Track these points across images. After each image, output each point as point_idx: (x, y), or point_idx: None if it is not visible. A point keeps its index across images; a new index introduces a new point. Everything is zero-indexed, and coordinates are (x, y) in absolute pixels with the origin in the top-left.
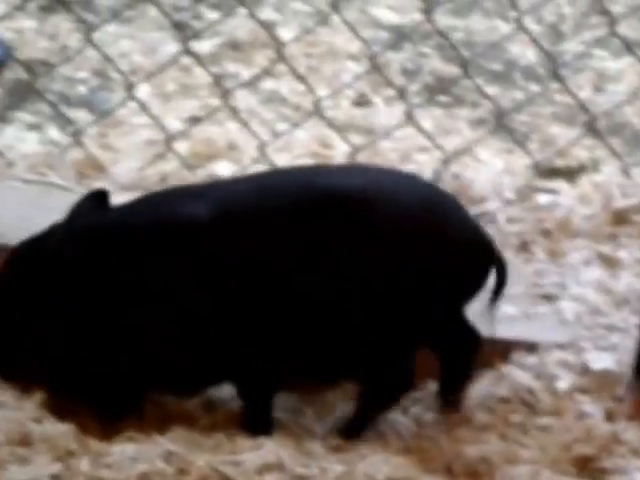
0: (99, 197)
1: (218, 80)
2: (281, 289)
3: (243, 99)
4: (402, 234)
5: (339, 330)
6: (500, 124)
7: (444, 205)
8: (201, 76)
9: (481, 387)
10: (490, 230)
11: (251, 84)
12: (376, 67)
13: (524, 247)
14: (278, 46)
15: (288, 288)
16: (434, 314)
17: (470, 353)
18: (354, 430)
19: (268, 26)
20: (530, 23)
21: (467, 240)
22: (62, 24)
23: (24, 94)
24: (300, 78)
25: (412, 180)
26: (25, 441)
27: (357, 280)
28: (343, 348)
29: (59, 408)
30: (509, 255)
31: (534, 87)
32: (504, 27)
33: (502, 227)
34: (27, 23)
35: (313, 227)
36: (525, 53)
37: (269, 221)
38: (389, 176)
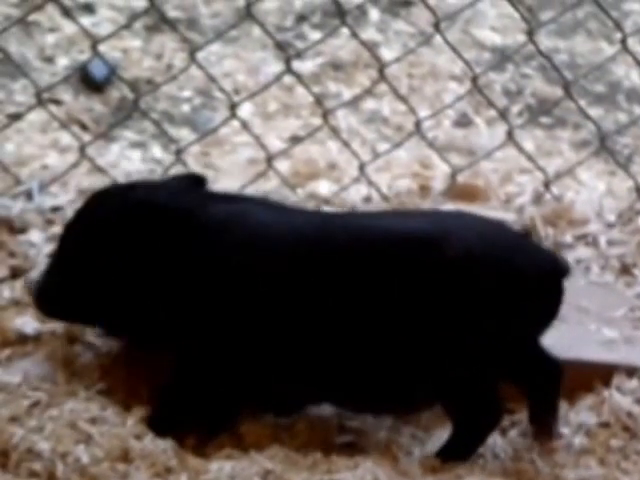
0: (198, 180)
1: (320, 100)
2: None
3: (344, 119)
4: (468, 268)
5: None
6: (603, 146)
7: (509, 235)
8: (303, 96)
9: (581, 411)
10: (591, 253)
11: (352, 104)
12: (478, 88)
13: (625, 270)
14: (380, 66)
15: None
16: (510, 345)
17: (552, 383)
18: (455, 456)
19: (370, 46)
20: (635, 45)
21: (536, 270)
22: (167, 43)
23: (129, 112)
24: (401, 98)
25: (481, 220)
26: (125, 457)
27: (432, 319)
28: (422, 383)
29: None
30: (610, 278)
31: (638, 109)
32: (608, 49)
33: (603, 250)
34: (133, 42)
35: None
36: (629, 75)
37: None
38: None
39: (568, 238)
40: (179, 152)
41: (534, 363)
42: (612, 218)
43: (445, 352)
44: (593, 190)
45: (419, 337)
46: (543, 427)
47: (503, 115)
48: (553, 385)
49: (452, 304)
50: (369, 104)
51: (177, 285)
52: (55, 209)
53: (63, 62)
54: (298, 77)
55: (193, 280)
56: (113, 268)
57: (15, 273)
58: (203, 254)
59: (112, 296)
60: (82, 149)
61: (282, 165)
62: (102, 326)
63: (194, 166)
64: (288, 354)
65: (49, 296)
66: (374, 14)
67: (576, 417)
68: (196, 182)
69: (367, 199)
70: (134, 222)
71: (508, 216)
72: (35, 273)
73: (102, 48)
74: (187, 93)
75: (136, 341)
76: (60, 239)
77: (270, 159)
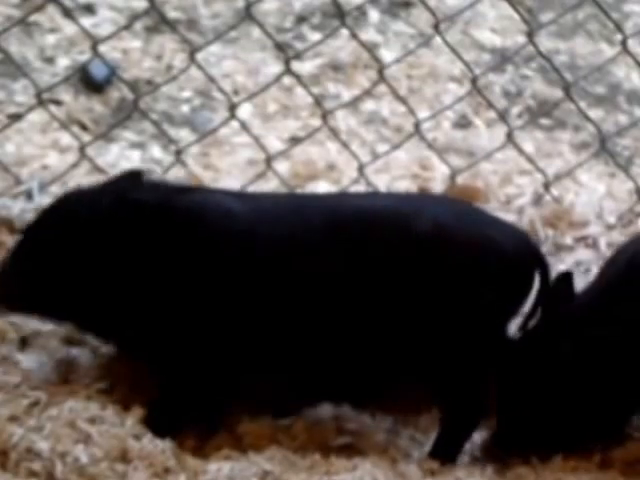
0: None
1: (319, 101)
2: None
3: (343, 120)
4: (438, 242)
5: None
6: (603, 148)
7: (481, 213)
8: (302, 97)
9: None
10: (591, 255)
11: (352, 105)
12: (478, 89)
13: None
14: (379, 67)
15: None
16: (494, 326)
17: None
18: (443, 454)
19: (370, 47)
20: (635, 46)
21: (515, 247)
22: (167, 44)
23: (128, 113)
24: (401, 99)
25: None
26: (124, 457)
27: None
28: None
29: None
30: None
31: (638, 111)
32: (608, 50)
33: (603, 252)
34: (133, 43)
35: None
36: (629, 76)
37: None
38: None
39: (568, 240)
40: (179, 153)
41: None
42: (612, 220)
43: (420, 327)
44: (593, 192)
45: (396, 315)
46: None
47: (503, 116)
48: None
49: (423, 279)
50: (368, 105)
51: (157, 278)
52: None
53: (63, 62)
54: (297, 78)
55: (174, 272)
56: (79, 264)
57: None
58: (180, 246)
59: (80, 292)
60: (82, 149)
61: (281, 166)
62: (67, 321)
63: (193, 167)
64: (269, 341)
65: (12, 289)
66: (374, 15)
67: None
68: (136, 177)
69: None
70: (102, 217)
71: (508, 217)
72: None
73: (102, 49)
74: (187, 94)
75: (122, 348)
76: (24, 234)
77: (269, 160)
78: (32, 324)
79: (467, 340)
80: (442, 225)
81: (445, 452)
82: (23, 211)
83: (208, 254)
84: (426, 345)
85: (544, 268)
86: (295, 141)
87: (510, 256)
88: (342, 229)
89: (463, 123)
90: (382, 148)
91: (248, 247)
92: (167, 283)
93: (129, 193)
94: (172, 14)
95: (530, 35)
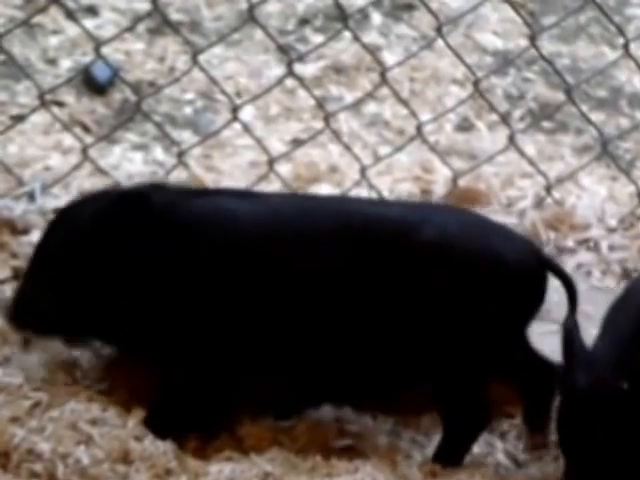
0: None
1: (321, 103)
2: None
3: (346, 122)
4: (443, 251)
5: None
6: (604, 151)
7: (488, 223)
8: (305, 99)
9: None
10: (592, 258)
11: (354, 107)
12: (480, 92)
13: (627, 275)
14: (382, 70)
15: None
16: (496, 337)
17: (546, 383)
18: (447, 461)
19: (372, 50)
20: (637, 50)
21: (522, 259)
22: (169, 46)
23: (131, 115)
24: (403, 102)
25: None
26: (125, 458)
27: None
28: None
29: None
30: (611, 283)
31: None
32: (610, 54)
33: (605, 255)
34: (136, 45)
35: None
36: (631, 80)
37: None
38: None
39: (569, 243)
40: (181, 154)
41: (527, 364)
42: (614, 223)
43: (422, 334)
44: (595, 195)
45: (397, 321)
46: (537, 427)
47: (505, 119)
48: (547, 385)
49: (427, 286)
50: (371, 108)
51: (161, 281)
52: (57, 210)
53: (66, 64)
54: (300, 80)
55: (175, 280)
56: (91, 275)
57: (17, 274)
58: (178, 253)
59: (93, 306)
60: (84, 151)
61: (283, 168)
62: (82, 338)
63: (196, 168)
64: (271, 343)
65: (27, 310)
66: (376, 18)
67: None
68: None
69: None
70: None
71: (509, 220)
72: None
73: (105, 50)
74: (189, 96)
75: (123, 349)
76: (33, 255)
77: (272, 162)
78: None
79: (467, 348)
80: (447, 234)
81: (449, 459)
82: (25, 212)
83: (211, 257)
84: (427, 352)
85: (561, 274)
86: (297, 143)
87: (514, 266)
88: (348, 234)
89: (465, 126)
90: (384, 150)
91: (251, 249)
92: (171, 285)
93: (134, 198)
94: (175, 16)
95: (532, 38)
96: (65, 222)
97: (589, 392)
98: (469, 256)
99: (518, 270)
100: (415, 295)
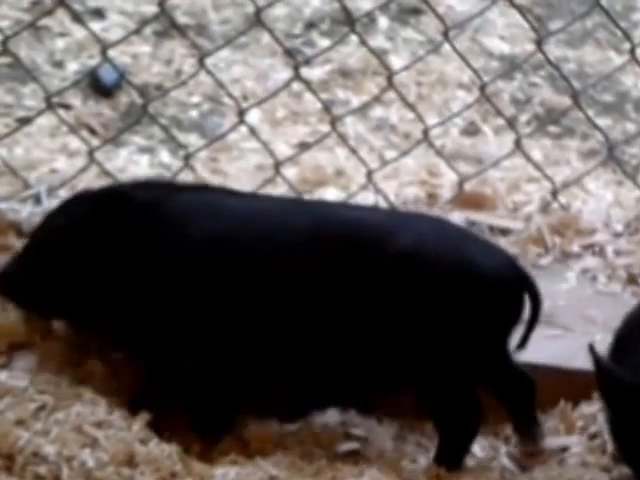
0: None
1: (328, 107)
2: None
3: (352, 126)
4: (417, 259)
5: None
6: (610, 156)
7: (464, 232)
8: (311, 102)
9: (586, 419)
10: (598, 262)
11: (360, 111)
12: (486, 96)
13: (632, 280)
14: (388, 74)
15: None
16: (473, 344)
17: (527, 397)
18: (446, 464)
19: (379, 54)
20: None
21: (498, 271)
22: (176, 49)
23: (137, 118)
24: (410, 106)
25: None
26: (130, 461)
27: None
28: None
29: (163, 427)
30: (617, 288)
31: None
32: (617, 58)
33: (610, 260)
34: (142, 48)
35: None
36: (638, 85)
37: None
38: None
39: (575, 247)
40: (187, 157)
41: (508, 381)
42: (619, 228)
43: (399, 342)
44: (601, 200)
45: (375, 325)
46: (527, 435)
47: (511, 124)
48: (528, 399)
49: (401, 295)
50: (377, 111)
51: (149, 279)
52: None
53: (73, 67)
54: (307, 84)
55: (165, 274)
56: (79, 261)
57: None
58: (172, 249)
59: (77, 288)
60: (91, 154)
61: (290, 171)
62: (65, 318)
63: (202, 172)
64: (273, 347)
65: (14, 283)
66: (383, 22)
67: (581, 425)
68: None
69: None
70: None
71: (515, 225)
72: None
73: (112, 53)
74: (196, 99)
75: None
76: (31, 235)
77: (278, 165)
78: (39, 327)
79: (442, 355)
80: (422, 242)
81: (448, 463)
82: (31, 215)
83: (201, 255)
84: (402, 358)
85: (532, 290)
86: (304, 147)
87: (490, 277)
88: (329, 237)
89: (471, 130)
90: (390, 154)
91: (229, 248)
92: (151, 284)
93: (123, 193)
94: (182, 19)
95: (539, 43)
96: (60, 213)
97: None
98: (444, 264)
99: (494, 279)
100: (391, 303)
